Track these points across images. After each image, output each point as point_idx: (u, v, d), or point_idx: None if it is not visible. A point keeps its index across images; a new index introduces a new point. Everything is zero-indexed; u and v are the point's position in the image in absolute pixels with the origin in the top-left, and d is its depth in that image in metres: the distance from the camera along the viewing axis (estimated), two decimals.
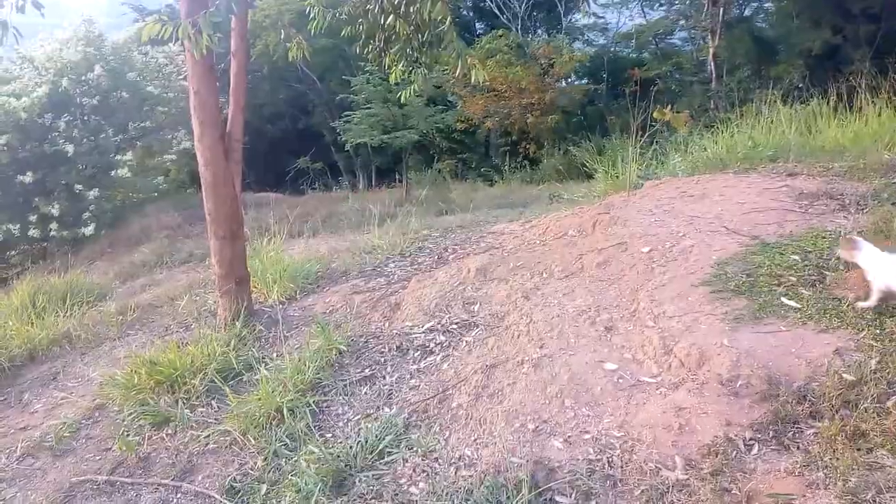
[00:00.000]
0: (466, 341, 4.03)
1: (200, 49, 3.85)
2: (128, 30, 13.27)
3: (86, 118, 10.86)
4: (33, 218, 9.95)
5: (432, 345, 4.12)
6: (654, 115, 6.51)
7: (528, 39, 20.62)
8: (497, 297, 4.48)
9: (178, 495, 3.32)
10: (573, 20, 22.77)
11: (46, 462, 3.89)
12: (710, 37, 16.91)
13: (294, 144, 20.06)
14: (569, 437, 2.94)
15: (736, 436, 2.66)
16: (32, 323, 5.91)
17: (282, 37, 5.50)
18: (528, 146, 17.97)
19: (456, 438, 3.15)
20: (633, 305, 3.85)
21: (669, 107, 6.87)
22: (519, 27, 20.81)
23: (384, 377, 3.93)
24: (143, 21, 3.80)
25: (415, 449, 3.12)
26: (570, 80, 20.47)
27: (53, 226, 9.92)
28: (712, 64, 16.76)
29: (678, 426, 2.79)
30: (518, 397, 3.28)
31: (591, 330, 3.71)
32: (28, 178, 9.97)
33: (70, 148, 10.14)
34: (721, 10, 16.36)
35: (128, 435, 3.84)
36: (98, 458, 3.79)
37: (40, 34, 11.71)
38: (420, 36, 5.20)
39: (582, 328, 3.74)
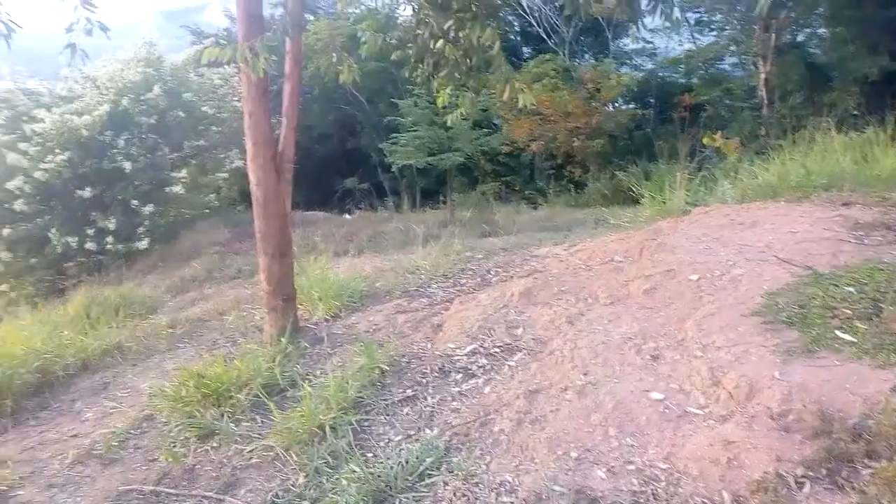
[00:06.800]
0: (509, 365, 4.01)
1: (257, 71, 3.99)
2: (186, 52, 13.71)
3: (143, 136, 11.21)
4: (91, 231, 10.27)
5: (474, 368, 4.11)
6: (704, 140, 6.44)
7: (576, 64, 20.63)
8: (541, 321, 4.46)
9: None
10: (621, 45, 22.72)
11: (95, 470, 3.98)
12: (761, 62, 16.67)
13: (341, 165, 20.36)
14: (612, 466, 2.89)
15: (787, 472, 2.57)
16: (86, 333, 6.10)
17: (333, 60, 5.62)
18: (573, 170, 17.90)
19: (497, 464, 3.12)
20: (680, 334, 3.78)
21: (719, 133, 6.78)
22: (566, 52, 20.85)
23: (426, 398, 3.93)
24: (202, 44, 3.94)
25: (455, 472, 3.10)
26: (617, 104, 20.36)
27: (109, 239, 10.23)
28: (763, 90, 16.49)
29: (726, 460, 2.72)
30: (561, 424, 3.24)
31: (636, 358, 3.65)
32: (87, 193, 10.33)
33: (128, 165, 10.49)
34: (773, 35, 16.12)
35: (174, 446, 3.91)
36: (145, 467, 3.87)
37: (103, 55, 12.19)
38: (468, 60, 5.26)
39: (627, 356, 3.69)
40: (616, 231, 6.90)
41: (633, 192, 8.87)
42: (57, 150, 10.14)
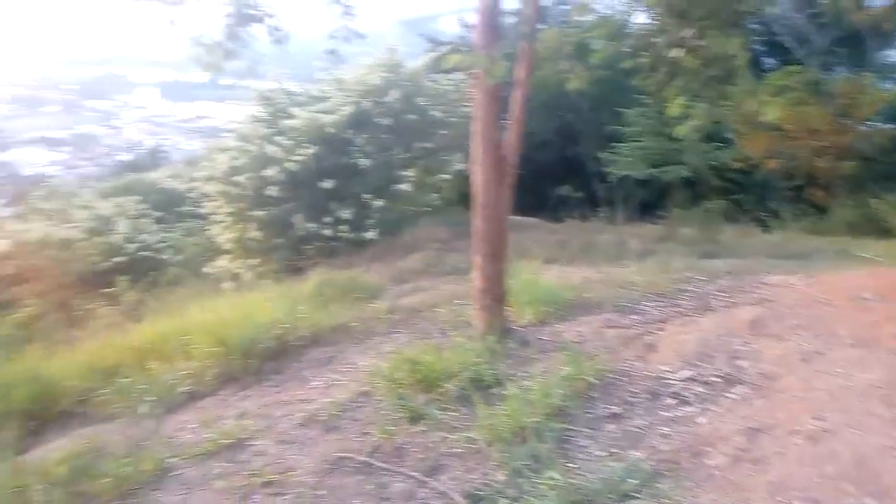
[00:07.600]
0: (729, 398, 3.72)
1: (494, 77, 4.13)
2: (421, 58, 14.56)
3: (380, 136, 12.10)
4: (328, 219, 11.31)
5: (689, 395, 3.88)
6: None
7: (827, 77, 18.58)
8: (769, 354, 4.08)
9: (424, 490, 3.52)
10: (884, 57, 20.01)
11: (318, 434, 4.38)
12: None
13: (558, 172, 20.32)
14: None
15: None
16: (319, 310, 6.73)
17: (563, 68, 5.60)
18: (815, 193, 16.12)
19: (708, 499, 2.92)
20: None
21: None
22: (817, 64, 18.85)
23: (633, 419, 3.79)
24: (437, 51, 4.18)
25: (661, 499, 2.95)
26: (873, 122, 17.99)
27: (343, 228, 11.19)
28: None
29: None
30: (786, 469, 2.94)
31: (884, 410, 3.20)
32: (328, 184, 11.42)
33: (365, 161, 11.42)
34: None
35: (386, 424, 4.18)
36: (359, 439, 4.17)
37: (348, 61, 13.35)
38: (708, 70, 5.00)
39: (872, 406, 3.25)
40: (864, 265, 6.10)
41: (888, 223, 7.80)
42: (306, 145, 11.33)
